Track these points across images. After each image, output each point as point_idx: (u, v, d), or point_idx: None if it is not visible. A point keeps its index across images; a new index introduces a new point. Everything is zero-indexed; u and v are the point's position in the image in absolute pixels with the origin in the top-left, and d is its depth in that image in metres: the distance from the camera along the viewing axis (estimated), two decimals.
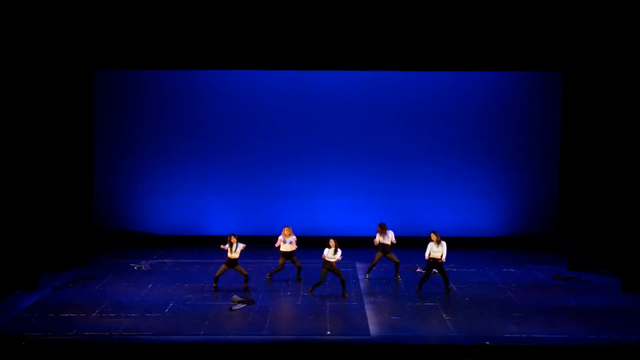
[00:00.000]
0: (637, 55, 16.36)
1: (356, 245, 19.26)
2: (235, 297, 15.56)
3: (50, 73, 17.19)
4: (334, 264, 15.56)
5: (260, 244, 19.25)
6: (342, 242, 16.08)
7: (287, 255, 16.74)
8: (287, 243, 16.62)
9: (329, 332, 13.65)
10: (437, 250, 15.78)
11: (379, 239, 16.87)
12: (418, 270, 17.99)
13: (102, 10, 16.37)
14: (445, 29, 16.85)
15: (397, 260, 17.06)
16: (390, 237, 16.90)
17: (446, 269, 16.22)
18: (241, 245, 15.91)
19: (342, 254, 15.58)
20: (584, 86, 17.80)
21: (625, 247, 16.61)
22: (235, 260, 15.94)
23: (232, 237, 15.91)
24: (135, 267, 18.23)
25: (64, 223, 17.87)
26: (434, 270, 16.11)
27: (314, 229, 20.04)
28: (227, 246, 15.88)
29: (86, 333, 13.42)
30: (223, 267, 16.02)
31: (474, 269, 18.34)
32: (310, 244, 17.99)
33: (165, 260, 19.06)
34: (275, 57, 17.47)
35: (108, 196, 20.60)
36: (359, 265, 18.35)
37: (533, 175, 20.82)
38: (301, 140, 20.76)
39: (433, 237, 15.87)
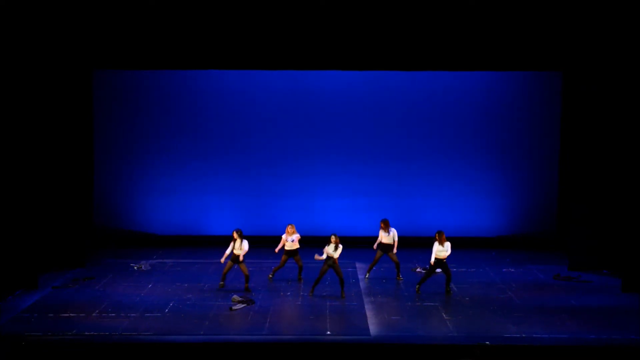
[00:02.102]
0: (637, 55, 16.36)
1: (356, 245, 19.23)
2: (235, 297, 15.56)
3: (50, 73, 17.19)
4: (336, 260, 15.57)
5: (261, 244, 19.23)
6: (342, 242, 16.04)
7: (291, 253, 16.75)
8: (290, 241, 16.64)
9: (329, 332, 13.65)
10: (442, 249, 15.73)
11: (382, 235, 16.87)
12: (418, 270, 17.99)
13: (102, 10, 16.38)
14: (445, 29, 16.86)
15: (397, 260, 17.07)
16: (392, 235, 16.88)
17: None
18: (245, 246, 15.89)
19: (342, 251, 15.57)
20: (584, 86, 17.79)
21: (625, 247, 16.60)
22: (238, 256, 15.94)
23: (235, 233, 15.94)
24: (135, 267, 18.22)
25: (64, 223, 17.87)
26: (437, 270, 16.08)
27: (314, 229, 19.94)
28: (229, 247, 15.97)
29: (86, 333, 13.42)
30: (229, 263, 16.05)
31: (474, 269, 18.34)
32: (311, 243, 17.95)
33: (165, 260, 19.05)
34: (275, 57, 17.47)
35: (108, 196, 20.58)
36: (359, 265, 18.35)
37: (533, 175, 20.81)
38: (301, 140, 20.74)
39: (438, 237, 15.83)
